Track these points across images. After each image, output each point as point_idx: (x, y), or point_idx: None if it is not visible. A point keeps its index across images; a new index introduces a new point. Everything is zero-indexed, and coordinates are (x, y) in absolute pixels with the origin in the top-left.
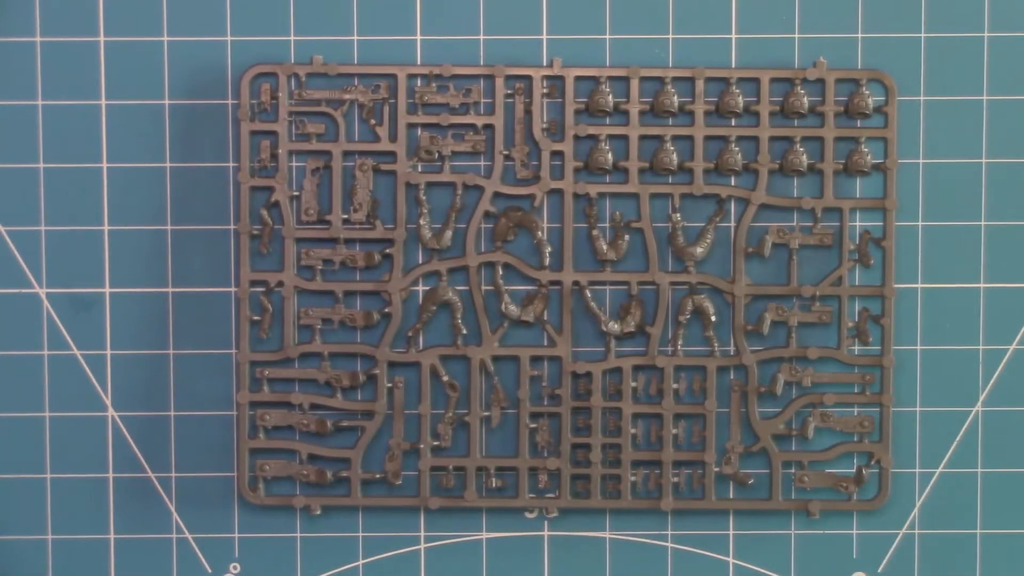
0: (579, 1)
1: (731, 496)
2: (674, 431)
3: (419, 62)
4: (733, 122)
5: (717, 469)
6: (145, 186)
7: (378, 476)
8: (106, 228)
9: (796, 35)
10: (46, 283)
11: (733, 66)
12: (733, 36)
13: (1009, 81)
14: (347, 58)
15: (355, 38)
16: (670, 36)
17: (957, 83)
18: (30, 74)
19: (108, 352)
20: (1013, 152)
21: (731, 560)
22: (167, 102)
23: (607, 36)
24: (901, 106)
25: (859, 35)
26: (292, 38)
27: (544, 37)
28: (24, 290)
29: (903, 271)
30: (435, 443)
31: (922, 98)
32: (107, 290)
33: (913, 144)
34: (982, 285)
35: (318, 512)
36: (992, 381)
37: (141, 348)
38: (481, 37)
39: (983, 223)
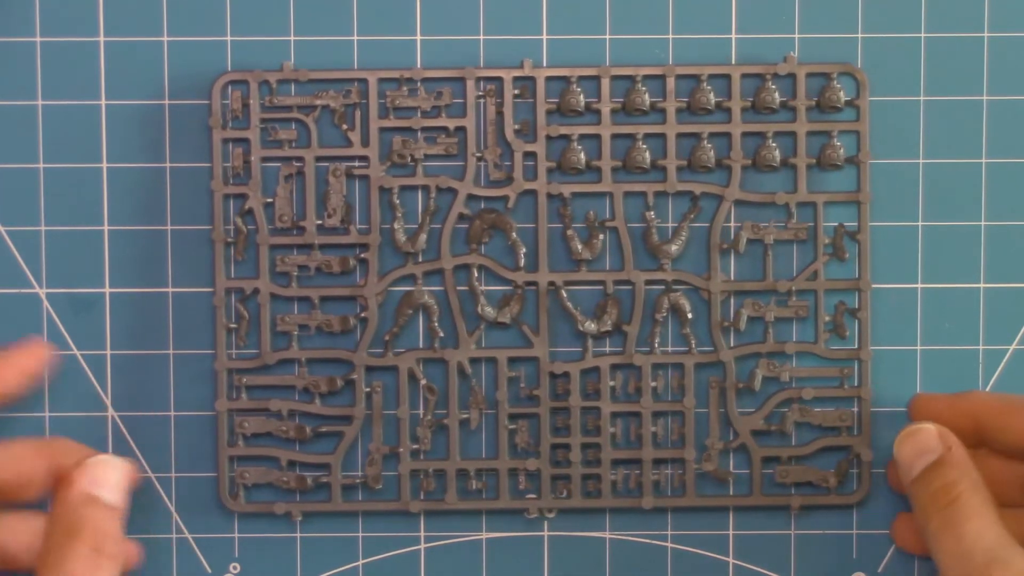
0: (579, 1)
1: (717, 493)
2: (653, 429)
3: (419, 64)
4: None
5: (697, 466)
6: (145, 186)
7: (358, 480)
8: (106, 228)
9: (796, 35)
10: (46, 283)
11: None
12: (733, 36)
13: (1009, 81)
14: (347, 59)
15: (355, 38)
16: (670, 36)
17: (956, 83)
18: (30, 74)
19: (108, 352)
20: (1013, 152)
21: (731, 560)
22: (167, 102)
23: (607, 36)
24: (901, 106)
25: (859, 35)
26: (292, 38)
27: (544, 37)
28: (24, 290)
29: (903, 271)
30: (415, 447)
31: (922, 98)
32: (107, 290)
33: (913, 144)
34: (982, 285)
35: (299, 518)
36: (992, 381)
37: (141, 348)
38: (481, 37)
39: (983, 223)
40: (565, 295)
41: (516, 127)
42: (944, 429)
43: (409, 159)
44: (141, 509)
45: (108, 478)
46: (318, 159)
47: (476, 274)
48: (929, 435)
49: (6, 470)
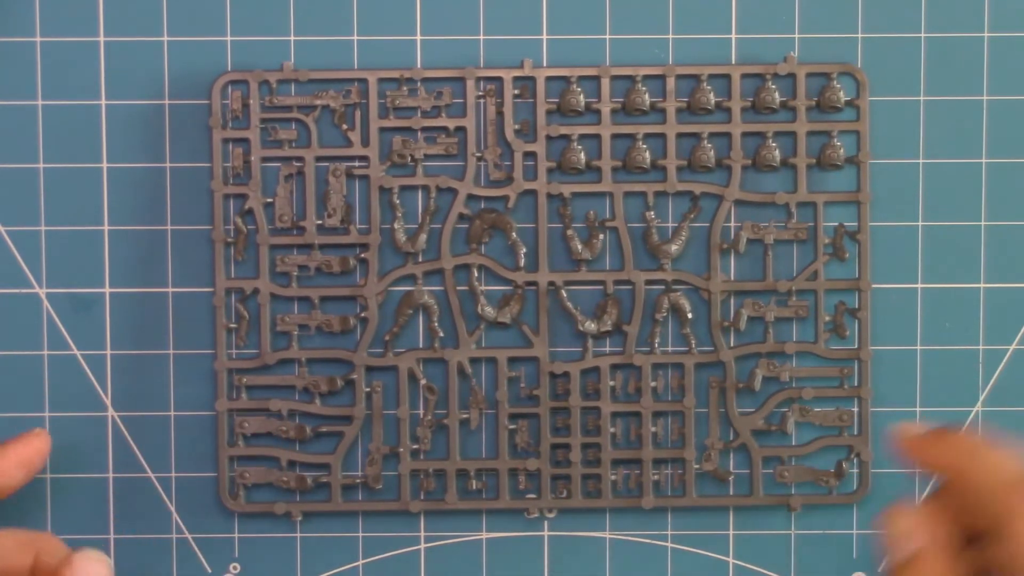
0: (579, 1)
1: (717, 493)
2: (653, 429)
3: (419, 64)
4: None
5: (697, 467)
6: (145, 186)
7: (358, 480)
8: (106, 228)
9: (796, 35)
10: (46, 283)
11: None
12: (733, 36)
13: (1009, 81)
14: (347, 59)
15: (355, 38)
16: (670, 36)
17: (956, 83)
18: (30, 74)
19: (108, 352)
20: (1013, 152)
21: (731, 560)
22: (167, 102)
23: (607, 36)
24: (901, 106)
25: (859, 35)
26: (292, 38)
27: (544, 37)
28: (24, 290)
29: (903, 271)
30: (415, 447)
31: (922, 98)
32: (107, 290)
33: (913, 144)
34: (982, 285)
35: (299, 518)
36: (992, 381)
37: (141, 348)
38: (481, 37)
39: (983, 223)
40: (565, 295)
41: (516, 127)
42: (927, 523)
43: (409, 159)
44: (141, 509)
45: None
46: (318, 159)
47: (476, 274)
48: (912, 525)
49: None
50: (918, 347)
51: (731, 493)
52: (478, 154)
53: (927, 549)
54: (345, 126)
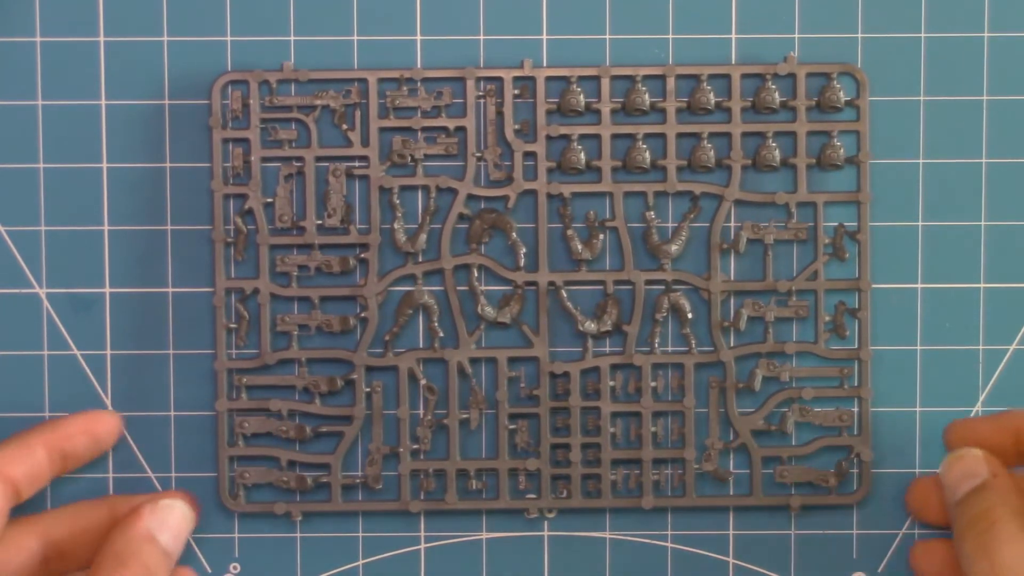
0: (579, 1)
1: (717, 493)
2: (653, 429)
3: (419, 64)
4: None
5: (697, 467)
6: (145, 186)
7: (358, 480)
8: (106, 228)
9: (796, 35)
10: (46, 283)
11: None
12: (733, 36)
13: (1009, 81)
14: (347, 59)
15: (355, 38)
16: (670, 36)
17: (957, 83)
18: (30, 74)
19: (108, 352)
20: (1013, 152)
21: (731, 560)
22: (167, 102)
23: (607, 36)
24: (901, 106)
25: (859, 35)
26: (292, 38)
27: (544, 37)
28: (24, 290)
29: (903, 271)
30: (415, 447)
31: (922, 98)
32: (107, 290)
33: (913, 144)
34: (982, 285)
35: (299, 518)
36: (992, 381)
37: (141, 348)
38: (481, 37)
39: (983, 223)
40: (565, 295)
41: (516, 127)
42: (990, 456)
43: (409, 159)
44: None
45: (173, 524)
46: (318, 159)
47: (476, 274)
48: (976, 460)
49: (69, 527)
50: (918, 347)
51: (731, 493)
52: (478, 154)
53: (998, 478)
54: (345, 126)
